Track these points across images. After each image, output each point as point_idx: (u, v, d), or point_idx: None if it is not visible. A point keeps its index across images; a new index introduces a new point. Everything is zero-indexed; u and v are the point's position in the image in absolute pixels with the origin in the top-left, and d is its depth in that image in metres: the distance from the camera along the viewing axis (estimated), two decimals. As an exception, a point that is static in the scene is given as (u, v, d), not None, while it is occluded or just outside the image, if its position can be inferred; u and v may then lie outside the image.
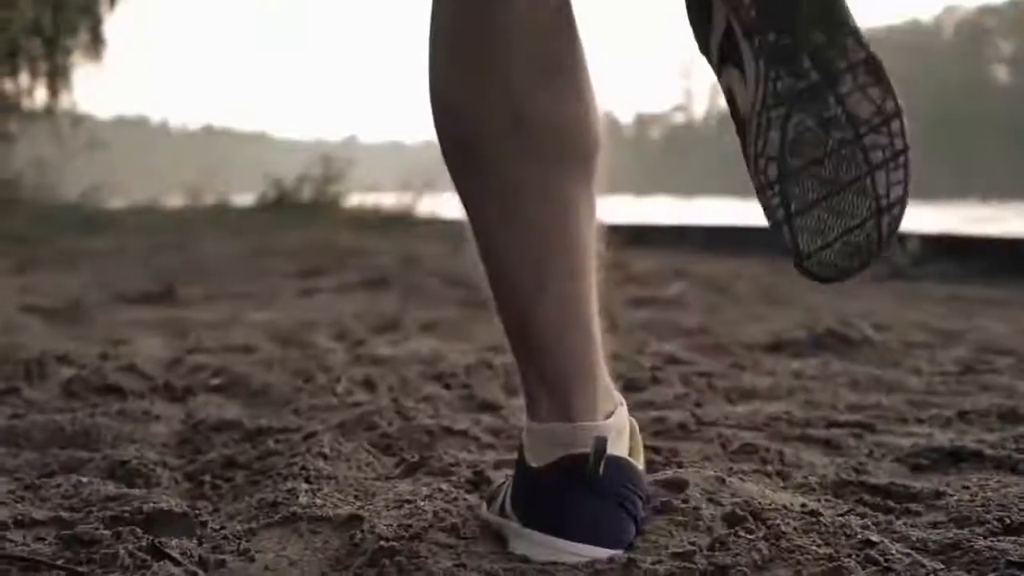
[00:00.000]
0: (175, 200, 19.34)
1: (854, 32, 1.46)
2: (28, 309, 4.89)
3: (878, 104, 1.45)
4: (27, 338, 3.85)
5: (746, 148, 1.49)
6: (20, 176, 15.61)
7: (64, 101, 21.17)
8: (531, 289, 1.55)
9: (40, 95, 19.67)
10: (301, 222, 13.50)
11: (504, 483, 1.68)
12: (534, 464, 1.56)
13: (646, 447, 1.72)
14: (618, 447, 1.56)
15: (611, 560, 1.46)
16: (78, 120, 19.48)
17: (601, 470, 1.50)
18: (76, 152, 17.84)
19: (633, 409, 1.69)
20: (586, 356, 1.57)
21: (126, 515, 1.57)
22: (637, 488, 1.56)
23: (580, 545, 1.50)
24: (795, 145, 1.45)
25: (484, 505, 1.68)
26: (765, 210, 1.48)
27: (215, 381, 2.80)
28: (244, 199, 18.20)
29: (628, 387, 2.61)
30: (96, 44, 20.39)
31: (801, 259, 1.47)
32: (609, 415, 1.57)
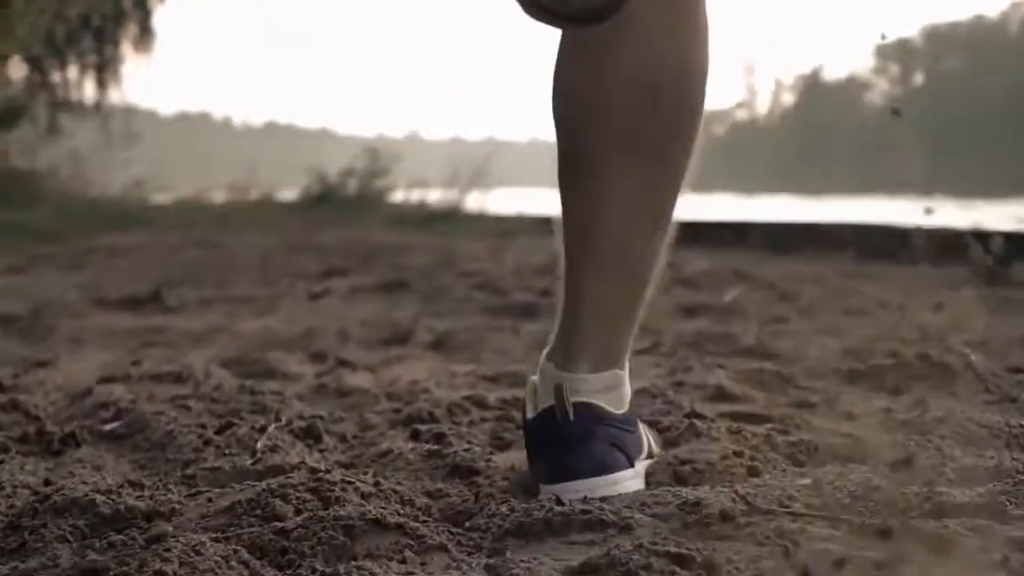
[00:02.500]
0: (221, 195, 18.89)
1: None
2: (-14, 314, 4.29)
3: None
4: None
5: None
6: (56, 169, 15.04)
7: (114, 94, 20.83)
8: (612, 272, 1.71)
9: (89, 88, 19.33)
10: (342, 218, 12.93)
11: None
12: (529, 416, 1.71)
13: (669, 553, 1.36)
14: (594, 398, 1.68)
15: None
16: (125, 114, 19.09)
17: (571, 415, 1.65)
18: (117, 146, 17.35)
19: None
20: (623, 325, 1.73)
21: None
22: (613, 422, 1.68)
23: (577, 482, 1.63)
24: None
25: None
26: None
27: (110, 427, 2.13)
28: (290, 194, 17.71)
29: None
30: (145, 36, 19.98)
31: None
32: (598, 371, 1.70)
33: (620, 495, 1.61)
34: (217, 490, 1.62)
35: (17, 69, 17.85)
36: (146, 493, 1.62)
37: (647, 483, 1.71)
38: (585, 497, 1.58)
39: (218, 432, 1.95)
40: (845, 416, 2.22)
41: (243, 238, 10.46)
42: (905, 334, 3.50)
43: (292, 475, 1.62)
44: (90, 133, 17.62)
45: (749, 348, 3.34)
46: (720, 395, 2.37)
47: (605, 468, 1.64)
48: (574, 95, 1.67)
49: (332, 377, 2.57)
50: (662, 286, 5.62)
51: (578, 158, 1.68)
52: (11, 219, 10.94)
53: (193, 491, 1.64)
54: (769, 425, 2.08)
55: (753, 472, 1.75)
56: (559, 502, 1.53)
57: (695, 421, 2.02)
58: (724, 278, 6.20)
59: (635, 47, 1.62)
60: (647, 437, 1.81)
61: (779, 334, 3.97)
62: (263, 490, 1.51)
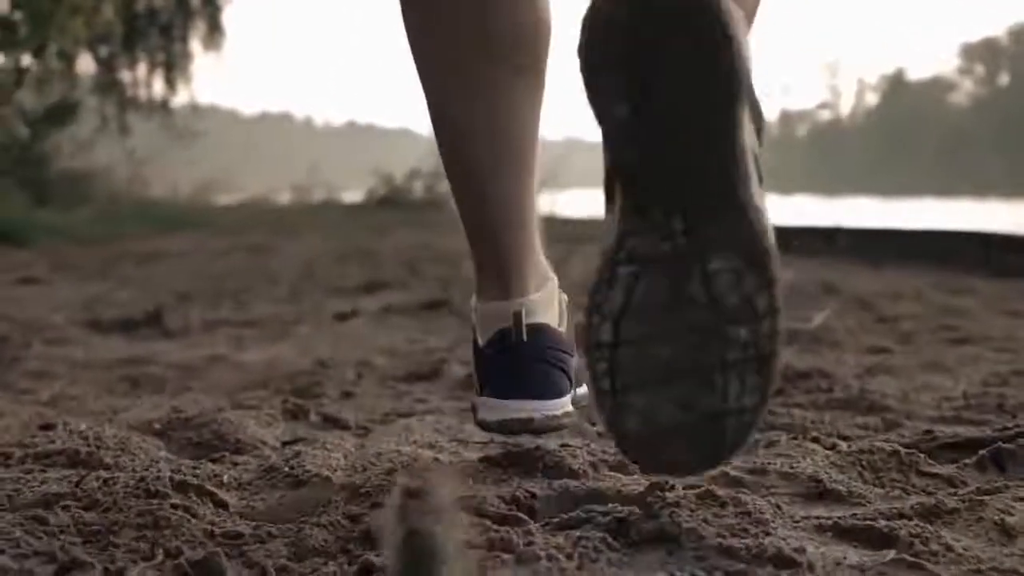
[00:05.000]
0: (286, 197, 18.46)
1: (746, 210, 1.28)
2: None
3: (750, 296, 1.28)
4: None
5: (589, 292, 1.33)
6: (112, 169, 14.57)
7: (183, 93, 20.53)
8: (486, 168, 1.73)
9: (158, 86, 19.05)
10: (403, 221, 12.35)
11: None
12: (481, 342, 1.81)
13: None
14: (547, 317, 1.80)
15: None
16: (194, 112, 18.78)
17: (525, 337, 1.75)
18: (181, 145, 16.94)
19: None
20: (527, 238, 1.78)
21: None
22: (560, 346, 1.78)
23: (522, 401, 1.71)
24: (639, 313, 1.29)
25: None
26: (589, 371, 1.33)
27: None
28: (355, 196, 17.25)
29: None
30: (214, 34, 19.65)
31: (623, 440, 1.33)
32: (539, 289, 1.79)
33: None
34: None
35: (85, 66, 17.55)
36: None
37: None
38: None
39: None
40: (999, 529, 1.53)
41: (297, 242, 9.90)
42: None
43: None
44: (155, 132, 17.20)
45: (848, 399, 2.65)
46: (815, 492, 1.69)
47: (552, 391, 1.73)
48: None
49: (296, 451, 1.91)
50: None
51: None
52: (55, 221, 10.44)
53: None
54: (892, 554, 1.40)
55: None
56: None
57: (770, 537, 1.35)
58: (810, 294, 5.50)
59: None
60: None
61: (881, 371, 3.29)
62: None
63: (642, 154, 1.28)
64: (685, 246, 1.28)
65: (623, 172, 1.31)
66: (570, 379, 1.79)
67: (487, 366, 1.80)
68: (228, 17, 20.04)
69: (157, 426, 2.12)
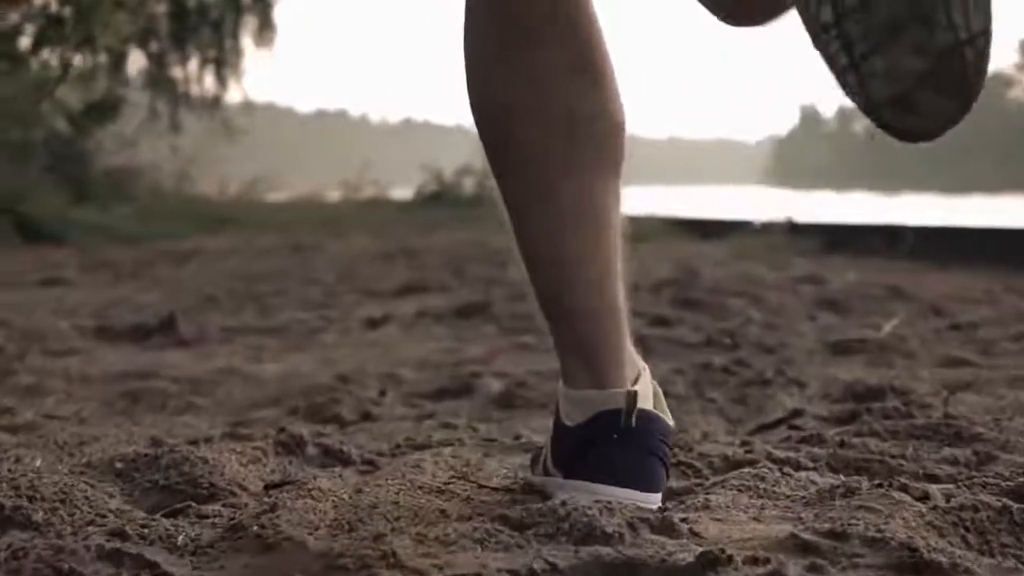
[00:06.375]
0: (335, 194, 18.19)
1: None
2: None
3: None
4: None
5: None
6: (157, 166, 14.31)
7: (234, 90, 20.35)
8: (565, 263, 1.66)
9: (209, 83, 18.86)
10: (452, 218, 12.03)
11: (544, 446, 1.77)
12: (570, 423, 1.67)
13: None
14: (646, 404, 1.65)
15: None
16: (246, 110, 18.60)
17: (634, 422, 1.62)
18: (229, 142, 16.72)
19: None
20: (615, 326, 1.67)
21: None
22: (668, 440, 1.66)
23: (618, 489, 1.60)
24: None
25: (529, 469, 1.83)
26: (825, 60, 1.35)
27: None
28: (406, 192, 16.94)
29: None
30: (266, 30, 19.43)
31: (876, 110, 1.33)
32: (635, 381, 1.66)
33: None
34: None
35: (138, 63, 17.36)
36: None
37: None
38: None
39: None
40: None
41: (341, 241, 9.61)
42: None
43: None
44: (204, 130, 16.99)
45: (930, 425, 2.29)
46: (908, 563, 1.35)
47: (655, 485, 1.64)
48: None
49: (273, 502, 1.58)
50: (802, 308, 4.55)
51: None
52: (95, 219, 10.19)
53: None
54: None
55: None
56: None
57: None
58: (877, 297, 5.15)
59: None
60: None
61: (963, 387, 2.94)
62: None
63: None
64: None
65: None
66: (667, 477, 1.69)
67: (581, 447, 1.66)
68: (282, 13, 19.89)
69: (119, 465, 1.79)
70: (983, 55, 1.32)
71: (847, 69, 1.33)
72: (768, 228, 9.86)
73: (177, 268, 6.97)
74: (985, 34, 1.31)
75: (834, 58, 1.34)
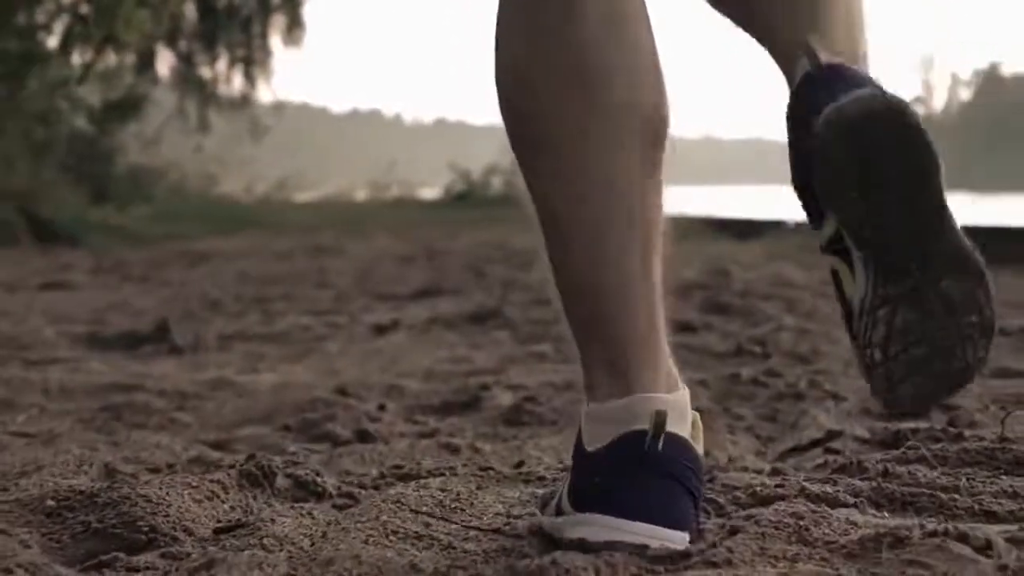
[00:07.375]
0: (363, 194, 18.03)
1: (958, 242, 1.55)
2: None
3: (972, 292, 1.55)
4: None
5: (852, 330, 1.55)
6: (178, 165, 14.14)
7: (263, 90, 20.25)
8: (595, 259, 1.53)
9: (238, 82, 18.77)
10: (478, 218, 11.81)
11: (559, 484, 1.63)
12: (590, 448, 1.51)
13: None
14: (679, 429, 1.49)
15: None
16: (276, 109, 18.53)
17: (660, 446, 1.45)
18: (253, 142, 16.59)
19: None
20: (649, 329, 1.54)
21: None
22: (696, 468, 1.50)
23: (639, 524, 1.43)
24: (899, 335, 1.53)
25: (538, 512, 1.65)
26: (868, 381, 1.55)
27: None
28: (433, 192, 16.78)
29: None
30: (294, 29, 19.33)
31: (896, 402, 1.56)
32: (672, 391, 1.52)
33: None
34: None
35: (164, 62, 17.24)
36: None
37: None
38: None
39: None
40: None
41: (363, 242, 9.40)
42: None
43: None
44: (231, 129, 16.86)
45: (984, 449, 2.04)
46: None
47: (681, 520, 1.46)
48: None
49: (214, 557, 1.34)
50: (839, 315, 4.30)
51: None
52: (112, 219, 10.01)
53: None
54: None
55: None
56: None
57: None
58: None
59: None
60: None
61: (1017, 403, 2.68)
62: None
63: (883, 229, 1.53)
64: (922, 279, 1.53)
65: (867, 241, 1.54)
66: (697, 512, 1.51)
67: (602, 476, 1.48)
68: (312, 12, 19.78)
69: (51, 503, 1.56)
70: (977, 370, 1.58)
71: (884, 393, 1.57)
72: (802, 228, 9.61)
73: (188, 271, 6.76)
74: (982, 360, 1.58)
75: (878, 384, 1.56)
